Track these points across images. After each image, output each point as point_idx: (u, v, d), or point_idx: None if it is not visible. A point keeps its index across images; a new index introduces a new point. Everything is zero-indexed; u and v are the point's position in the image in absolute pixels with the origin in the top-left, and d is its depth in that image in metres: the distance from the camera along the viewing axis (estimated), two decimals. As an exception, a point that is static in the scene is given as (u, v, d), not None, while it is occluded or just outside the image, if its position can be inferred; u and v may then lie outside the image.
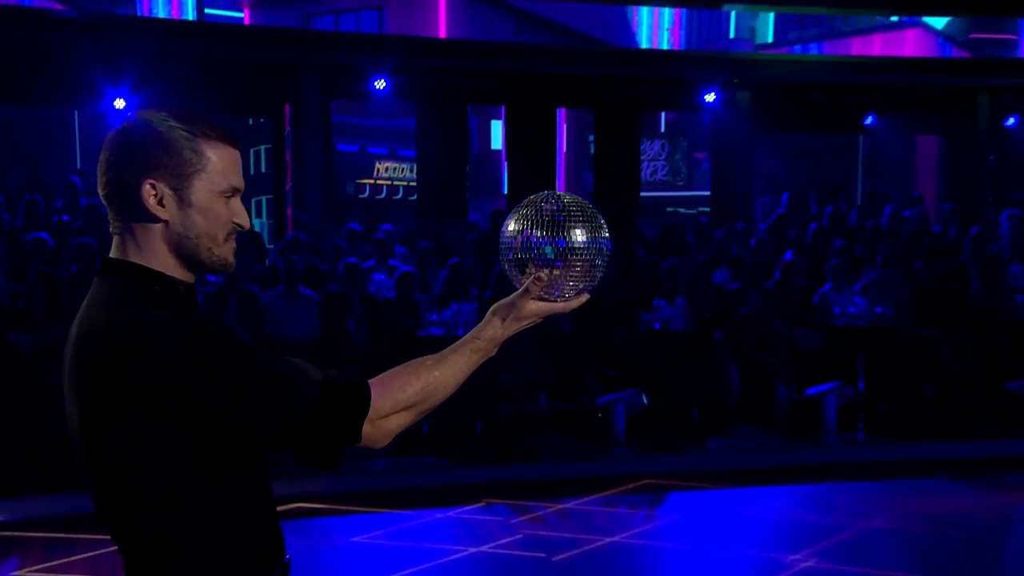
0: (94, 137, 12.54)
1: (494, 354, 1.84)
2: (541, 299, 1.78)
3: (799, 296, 9.12)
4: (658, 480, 7.17)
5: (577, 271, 1.77)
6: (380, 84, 11.27)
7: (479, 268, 9.32)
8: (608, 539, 5.90)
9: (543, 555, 5.59)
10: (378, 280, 9.08)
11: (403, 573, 5.30)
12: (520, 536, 5.94)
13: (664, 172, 18.55)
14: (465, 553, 5.64)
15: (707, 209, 14.33)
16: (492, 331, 1.82)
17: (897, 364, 8.71)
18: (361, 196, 17.04)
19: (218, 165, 1.71)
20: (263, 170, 16.04)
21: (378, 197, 17.01)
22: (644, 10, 11.70)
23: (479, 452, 7.54)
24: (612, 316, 8.73)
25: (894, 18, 12.39)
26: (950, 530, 6.41)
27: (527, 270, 1.78)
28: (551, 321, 1.93)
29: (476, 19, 11.37)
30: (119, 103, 10.62)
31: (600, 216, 1.80)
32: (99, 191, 1.74)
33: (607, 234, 1.80)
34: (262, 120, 14.87)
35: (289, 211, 11.82)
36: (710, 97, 12.15)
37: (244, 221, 1.77)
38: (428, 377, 1.76)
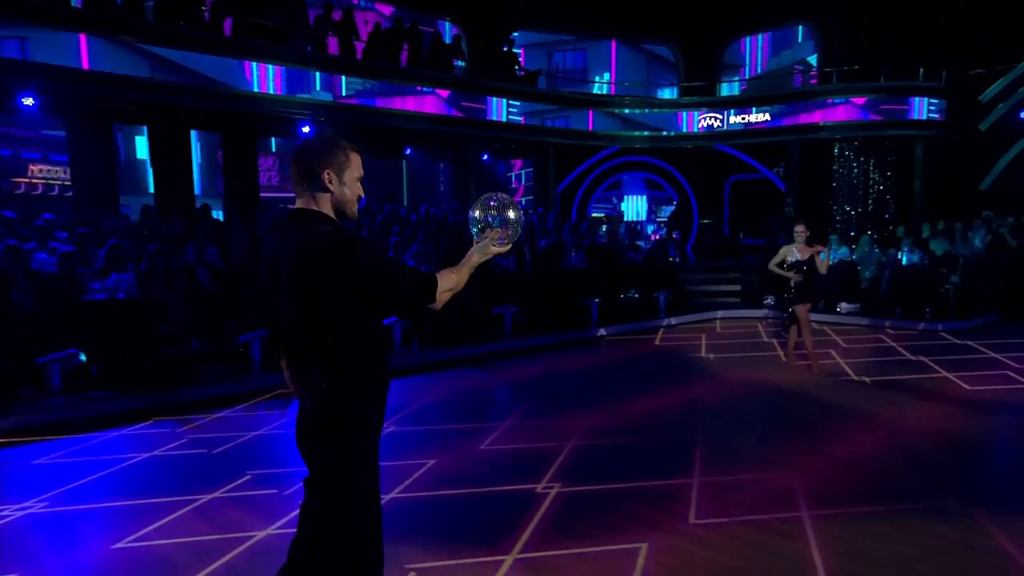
0: None
1: (473, 271, 2.28)
2: (494, 246, 2.30)
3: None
4: (287, 391, 6.80)
5: (509, 232, 2.33)
6: (28, 101, 9.05)
7: (134, 248, 8.01)
8: (253, 433, 5.51)
9: (205, 451, 5.04)
10: (40, 258, 7.38)
11: (83, 480, 4.43)
12: (185, 440, 5.30)
13: (277, 179, 17.51)
14: (138, 459, 4.88)
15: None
16: (474, 260, 2.28)
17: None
18: (18, 192, 13.56)
19: (356, 163, 2.18)
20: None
21: (34, 193, 13.67)
22: (253, 64, 10.84)
23: (147, 385, 6.52)
24: (250, 280, 8.09)
25: (426, 89, 12.99)
26: (474, 396, 6.88)
27: (487, 231, 2.31)
28: (498, 257, 2.71)
29: (116, 56, 9.53)
30: None
31: (520, 206, 2.43)
32: (293, 174, 2.15)
33: (522, 213, 2.38)
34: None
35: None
36: (306, 129, 11.71)
37: (362, 194, 2.21)
38: (456, 276, 2.21)
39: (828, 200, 15.81)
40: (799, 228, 7.24)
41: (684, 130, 16.65)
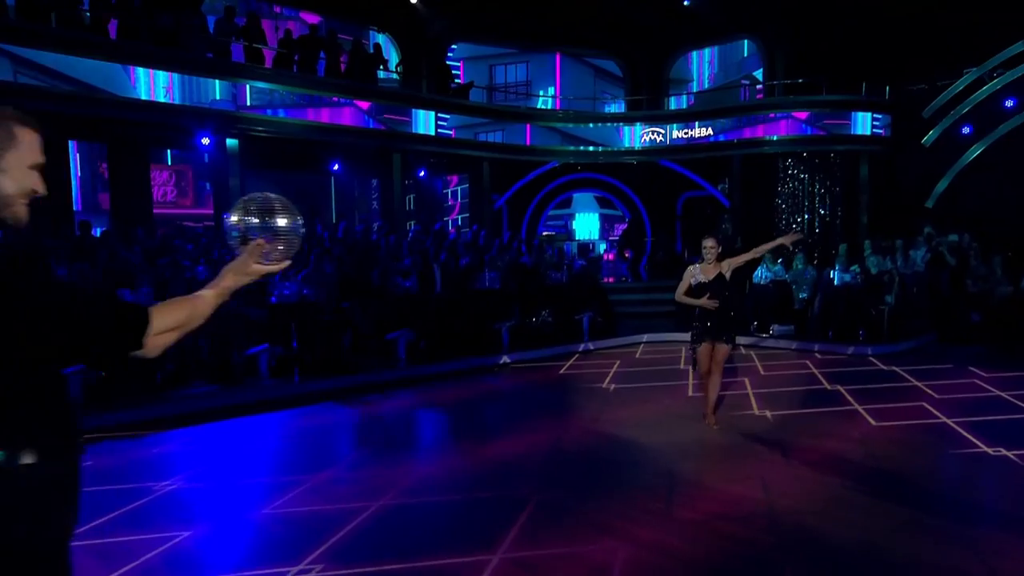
0: None
1: (227, 298, 1.73)
2: (258, 263, 1.72)
3: (254, 283, 8.31)
4: (109, 433, 5.81)
5: (281, 245, 1.72)
6: None
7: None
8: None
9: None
10: None
11: None
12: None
13: (174, 195, 16.52)
14: None
15: (212, 224, 12.87)
16: (227, 282, 1.72)
17: (322, 327, 8.37)
18: None
19: (28, 143, 1.58)
20: None
21: None
22: (140, 70, 10.01)
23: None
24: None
25: (344, 100, 12.23)
26: (309, 439, 6.02)
27: (248, 243, 1.70)
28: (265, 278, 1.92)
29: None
30: None
31: (296, 210, 1.75)
32: None
33: (302, 221, 1.74)
34: None
35: None
36: (205, 140, 10.87)
37: (41, 189, 1.60)
38: (188, 309, 1.66)
39: (772, 217, 15.19)
40: (708, 243, 5.63)
41: (627, 145, 16.00)
